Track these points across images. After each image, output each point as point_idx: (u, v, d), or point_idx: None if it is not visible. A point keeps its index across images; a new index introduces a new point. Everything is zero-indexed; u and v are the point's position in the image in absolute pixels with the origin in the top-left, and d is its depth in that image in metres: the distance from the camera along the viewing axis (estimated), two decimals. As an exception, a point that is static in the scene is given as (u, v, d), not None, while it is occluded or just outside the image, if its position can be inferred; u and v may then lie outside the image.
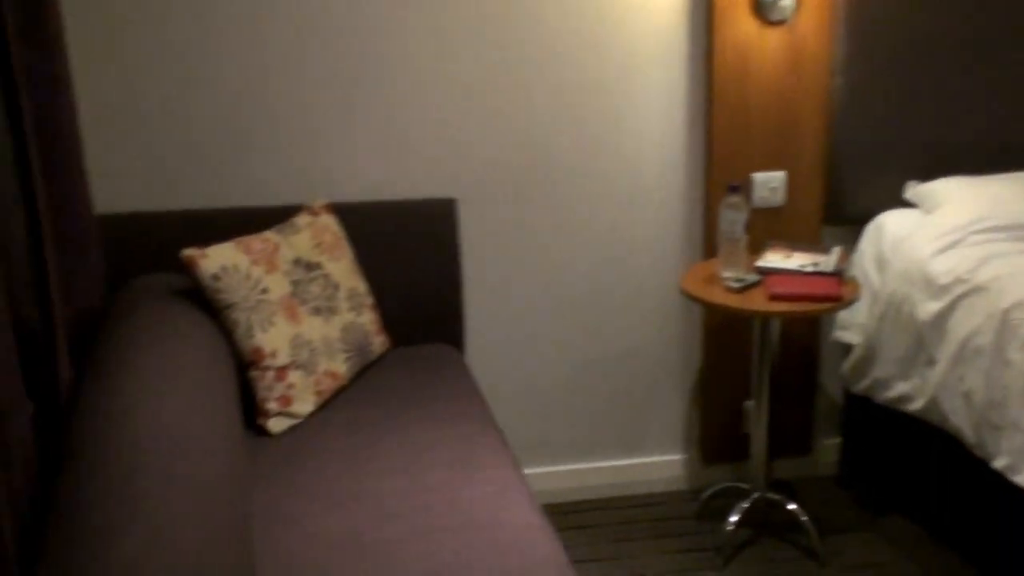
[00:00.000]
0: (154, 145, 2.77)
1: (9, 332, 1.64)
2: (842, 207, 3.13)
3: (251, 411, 2.41)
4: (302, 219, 2.70)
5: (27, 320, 1.84)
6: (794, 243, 3.00)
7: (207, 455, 1.73)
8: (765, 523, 3.06)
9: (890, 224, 2.99)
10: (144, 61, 2.72)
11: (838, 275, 2.80)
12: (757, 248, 2.97)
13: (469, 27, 2.87)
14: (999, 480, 2.47)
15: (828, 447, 3.39)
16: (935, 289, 2.68)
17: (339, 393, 2.58)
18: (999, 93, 3.09)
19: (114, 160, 2.74)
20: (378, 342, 2.73)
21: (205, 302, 2.39)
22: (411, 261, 2.90)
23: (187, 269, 2.37)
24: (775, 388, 2.95)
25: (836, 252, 2.91)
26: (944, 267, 2.68)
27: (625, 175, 3.06)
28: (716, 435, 3.28)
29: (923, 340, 2.72)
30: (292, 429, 2.41)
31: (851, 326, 3.06)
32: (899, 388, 2.83)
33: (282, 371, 2.42)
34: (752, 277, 2.80)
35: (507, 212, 3.03)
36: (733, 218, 2.80)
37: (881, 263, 2.95)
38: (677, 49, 2.99)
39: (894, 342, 2.83)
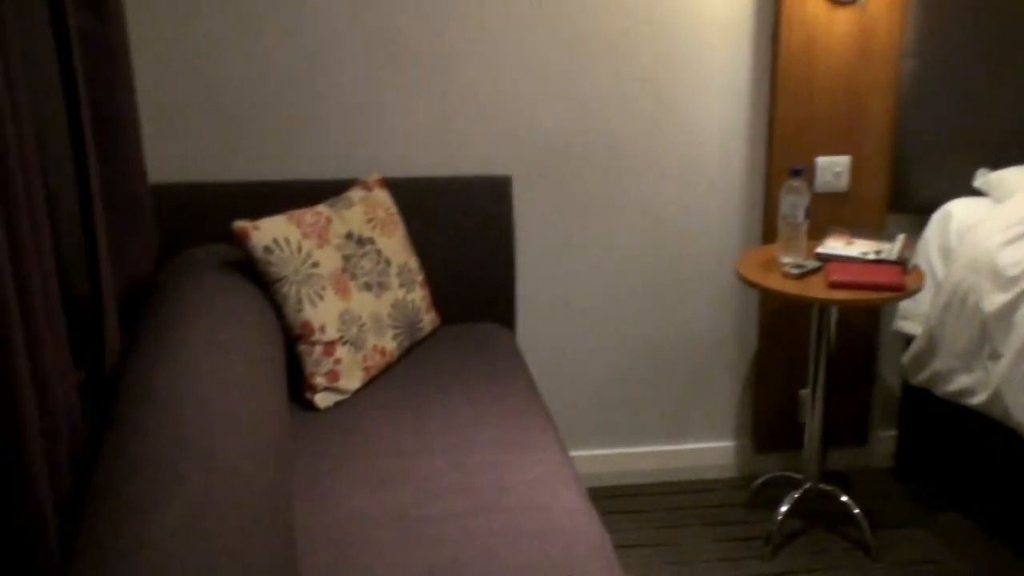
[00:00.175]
0: (210, 116, 2.77)
1: (57, 299, 1.64)
2: (908, 194, 3.05)
3: (299, 385, 2.40)
4: (355, 193, 2.68)
5: (76, 288, 1.84)
6: (857, 230, 2.92)
7: (250, 431, 1.72)
8: (816, 514, 3.00)
9: (958, 212, 2.90)
10: (203, 32, 2.71)
11: (901, 264, 2.72)
12: (818, 234, 2.90)
13: (530, 2, 2.82)
14: (1063, 481, 2.39)
15: (884, 439, 3.31)
16: (1003, 280, 2.59)
17: (387, 370, 2.57)
18: (1078, 79, 2.98)
19: (170, 130, 2.74)
20: (428, 319, 2.71)
21: (256, 274, 2.38)
22: (464, 238, 2.87)
23: (238, 241, 2.36)
24: (831, 376, 2.88)
25: (900, 240, 2.83)
26: (1013, 258, 2.59)
27: (684, 156, 3.00)
28: (769, 423, 3.22)
29: (988, 332, 2.63)
30: (338, 405, 2.40)
31: (913, 316, 2.98)
32: (961, 381, 2.75)
33: (330, 346, 2.41)
34: (812, 263, 2.73)
35: (562, 191, 2.98)
36: (794, 202, 2.73)
37: (946, 252, 2.86)
38: (742, 27, 2.92)
39: (957, 334, 2.74)
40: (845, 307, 2.94)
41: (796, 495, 2.93)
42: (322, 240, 2.49)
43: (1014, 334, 2.54)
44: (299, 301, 2.38)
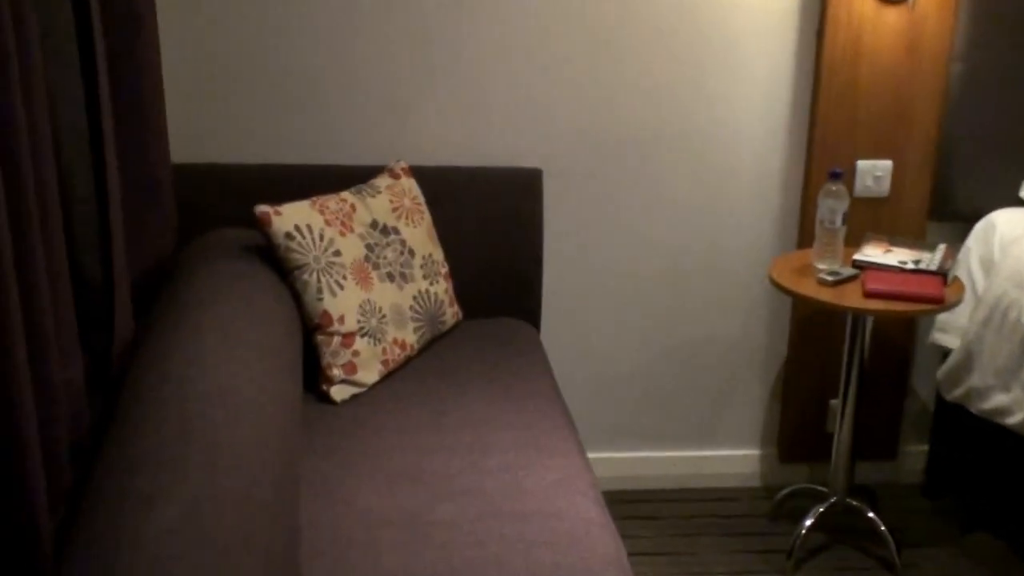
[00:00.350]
0: (236, 96, 2.71)
1: (67, 283, 1.59)
2: (951, 202, 2.95)
3: (315, 376, 2.35)
4: (382, 181, 2.62)
5: (87, 271, 1.79)
6: (896, 237, 2.84)
7: (259, 425, 1.67)
8: (841, 529, 2.92)
9: (1002, 223, 2.80)
10: (232, 10, 2.65)
11: (941, 275, 2.62)
12: (855, 240, 2.81)
13: (567, -10, 2.75)
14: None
15: (914, 454, 3.22)
16: (1046, 298, 2.49)
17: (406, 363, 2.51)
18: None
19: (193, 108, 2.69)
20: (450, 313, 2.65)
21: (276, 261, 2.33)
22: (491, 231, 2.80)
23: (259, 226, 2.31)
24: (862, 387, 2.80)
25: (941, 250, 2.74)
26: (1058, 275, 2.50)
27: (719, 154, 2.92)
28: (796, 432, 3.14)
29: (1029, 351, 2.54)
30: (355, 398, 2.35)
31: (950, 329, 2.88)
32: (997, 399, 2.66)
33: (349, 337, 2.35)
34: (848, 271, 2.65)
35: (593, 186, 2.91)
36: (833, 207, 2.65)
37: (988, 264, 2.76)
38: (786, 23, 2.83)
39: (996, 350, 2.65)
40: (881, 318, 2.85)
41: (821, 509, 2.85)
42: (345, 228, 2.43)
43: (1056, 353, 2.44)
44: (319, 290, 2.32)
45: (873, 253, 2.73)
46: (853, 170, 2.88)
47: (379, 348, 2.41)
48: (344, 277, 2.37)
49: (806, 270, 2.70)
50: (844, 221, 2.66)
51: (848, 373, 2.79)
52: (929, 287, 2.55)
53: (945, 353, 2.91)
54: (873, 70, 2.81)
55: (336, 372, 2.34)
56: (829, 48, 2.79)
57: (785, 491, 3.06)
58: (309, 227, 2.35)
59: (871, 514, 2.85)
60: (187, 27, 2.64)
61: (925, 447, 3.20)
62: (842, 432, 2.84)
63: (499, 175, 2.82)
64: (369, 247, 2.46)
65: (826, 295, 2.55)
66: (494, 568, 1.75)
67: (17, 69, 1.34)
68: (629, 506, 3.05)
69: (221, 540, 1.33)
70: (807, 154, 2.92)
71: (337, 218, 2.42)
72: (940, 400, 3.04)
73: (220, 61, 2.69)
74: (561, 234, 2.93)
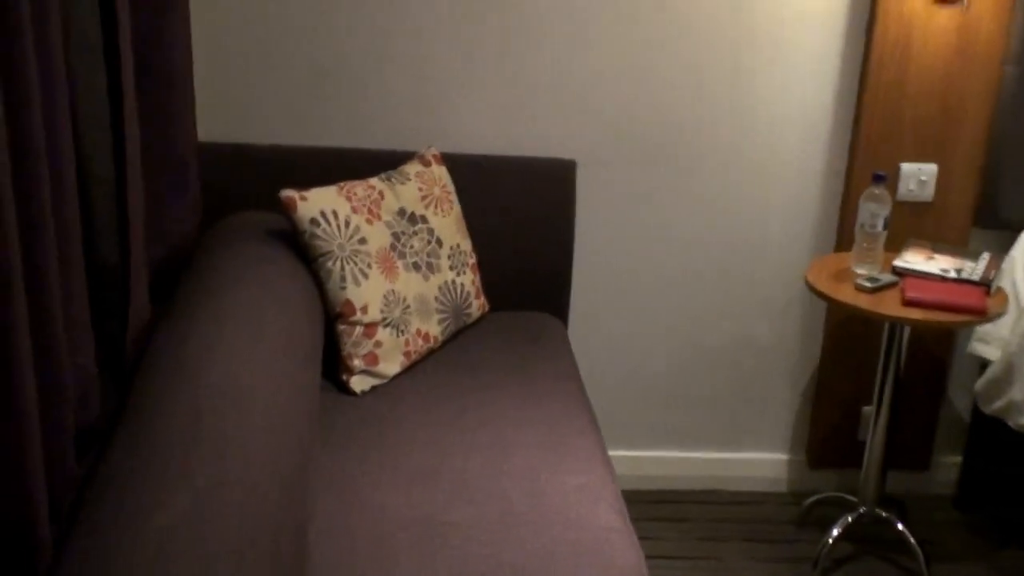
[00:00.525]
0: (266, 75, 2.66)
1: (80, 267, 1.55)
2: (997, 209, 2.86)
3: (336, 365, 2.31)
4: (412, 167, 2.56)
5: (104, 254, 1.75)
6: (938, 244, 2.75)
7: (271, 419, 1.63)
8: (869, 539, 2.85)
9: (1049, 233, 2.71)
10: (265, -13, 2.61)
11: (984, 285, 2.54)
12: (896, 245, 2.72)
13: (608, -22, 2.68)
14: None
15: (948, 465, 3.14)
16: (1094, 313, 2.40)
17: (429, 355, 2.46)
18: None
19: (220, 86, 2.65)
20: (476, 305, 2.60)
21: (300, 246, 2.28)
22: (522, 222, 2.74)
23: (284, 211, 2.26)
24: (897, 395, 2.72)
25: (985, 259, 2.65)
26: (1108, 290, 2.41)
27: (760, 151, 2.84)
28: (827, 438, 3.07)
29: (1073, 368, 2.45)
30: (375, 389, 2.30)
31: (991, 340, 2.79)
32: (1038, 415, 2.58)
33: (371, 327, 2.30)
34: (887, 277, 2.57)
35: (627, 180, 2.84)
36: (875, 210, 2.57)
37: (1033, 275, 2.67)
38: (835, 18, 2.74)
39: (1038, 364, 2.56)
40: (919, 327, 2.77)
41: (850, 519, 2.78)
42: (372, 215, 2.38)
43: (1102, 371, 2.36)
44: (342, 278, 2.28)
45: (914, 260, 2.65)
46: (896, 173, 2.79)
47: (402, 339, 2.36)
48: (369, 266, 2.32)
49: (844, 275, 2.62)
50: (885, 226, 2.58)
51: (883, 381, 2.71)
52: (971, 297, 2.47)
53: (984, 364, 2.82)
54: (922, 70, 2.71)
55: (357, 362, 2.29)
56: (878, 46, 2.70)
57: (813, 498, 2.99)
58: (335, 213, 2.30)
59: (901, 525, 2.78)
60: (218, 2, 2.59)
61: (959, 458, 3.12)
62: (874, 440, 2.77)
63: (532, 165, 2.76)
64: (396, 236, 2.41)
65: (864, 302, 2.48)
66: (510, 576, 1.70)
67: (32, 44, 1.29)
68: (653, 507, 2.99)
69: (224, 542, 1.29)
70: (849, 154, 2.84)
71: (364, 205, 2.37)
72: (976, 411, 2.96)
73: (251, 38, 2.64)
74: (593, 227, 2.86)
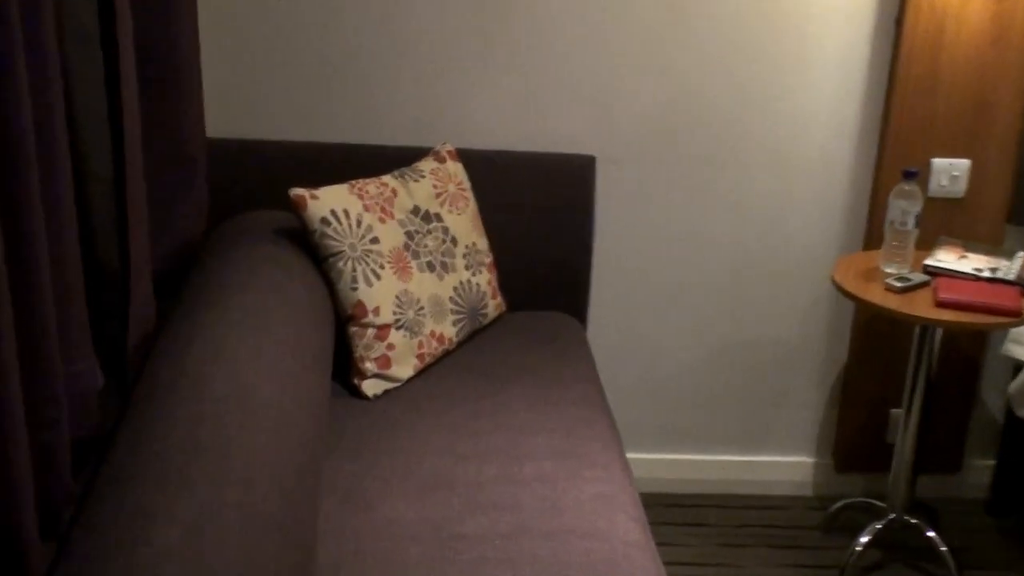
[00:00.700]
0: (275, 69, 2.60)
1: (77, 271, 1.49)
2: (1032, 205, 2.77)
3: (347, 368, 2.24)
4: (426, 164, 2.49)
5: (104, 256, 1.69)
6: (971, 243, 2.66)
7: (278, 431, 1.56)
8: (898, 546, 2.77)
9: (1087, 231, 2.61)
10: (276, -21, 2.54)
11: (1020, 285, 2.44)
12: (927, 244, 2.63)
13: (629, -33, 2.60)
14: None
15: (980, 468, 3.05)
16: None
17: (444, 357, 2.39)
18: None
19: (229, 81, 2.58)
20: (493, 305, 2.52)
21: (311, 246, 2.22)
22: (540, 220, 2.67)
23: (294, 210, 2.20)
24: (927, 397, 2.63)
25: (1020, 257, 2.55)
26: None
27: (784, 146, 2.75)
28: (854, 441, 2.98)
29: (1112, 371, 2.36)
30: (387, 394, 2.24)
31: (1025, 341, 2.71)
32: (1075, 419, 2.49)
33: (383, 330, 2.24)
34: (918, 277, 2.48)
35: (648, 176, 2.76)
36: (905, 208, 2.48)
37: (1070, 274, 2.58)
38: (863, 9, 2.65)
39: (1075, 367, 2.47)
40: (951, 329, 2.68)
41: (878, 526, 2.69)
42: (385, 214, 2.31)
43: None
44: (353, 279, 2.21)
45: (946, 259, 2.56)
46: (927, 168, 2.70)
47: (415, 341, 2.29)
48: (381, 266, 2.25)
49: (872, 274, 2.53)
50: (917, 224, 2.49)
51: (913, 383, 2.62)
52: (1006, 298, 2.37)
53: (1018, 366, 2.73)
54: (955, 62, 2.62)
55: (369, 366, 2.23)
56: (908, 36, 2.60)
57: (840, 503, 2.90)
58: (346, 212, 2.23)
59: (931, 532, 2.69)
60: (229, -4, 2.53)
61: (991, 462, 3.03)
62: (904, 444, 2.68)
63: (550, 161, 2.68)
64: (409, 234, 2.34)
65: (893, 303, 2.39)
66: (524, 592, 1.63)
67: (21, 31, 1.23)
68: (674, 511, 2.92)
69: (223, 565, 1.22)
70: (878, 149, 2.75)
71: (377, 203, 2.30)
72: (1010, 413, 2.87)
73: (261, 31, 2.57)
74: (613, 225, 2.78)
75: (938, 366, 2.75)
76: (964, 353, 2.89)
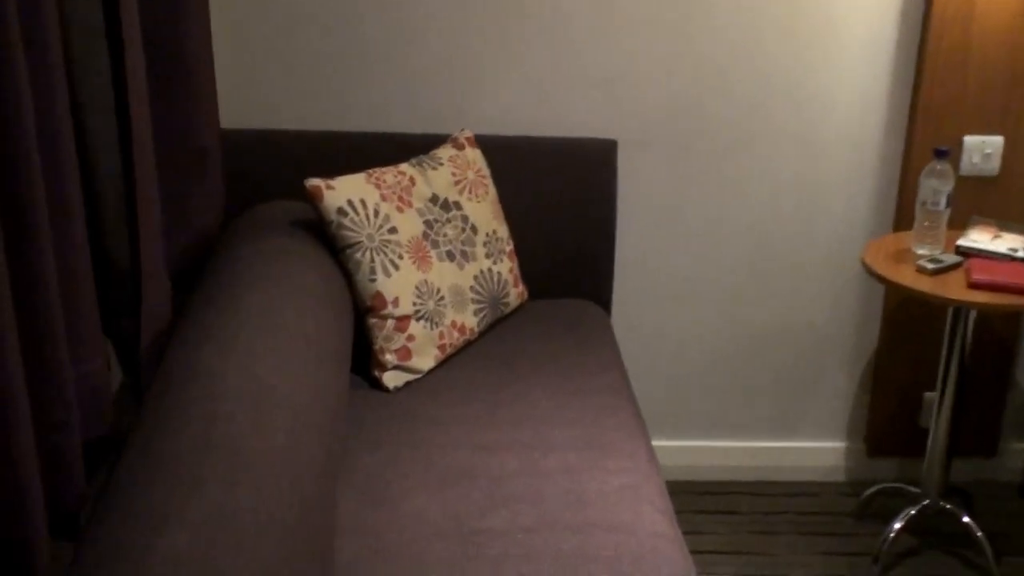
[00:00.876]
0: (289, 57, 2.56)
1: (87, 269, 1.46)
2: (1068, 182, 2.69)
3: (367, 360, 2.21)
4: (445, 151, 2.45)
5: (115, 253, 1.66)
6: (1005, 222, 2.59)
7: (294, 429, 1.53)
8: (933, 532, 2.72)
9: (1126, 207, 2.54)
10: (290, -34, 2.51)
11: (1056, 265, 2.38)
12: (960, 224, 2.57)
13: (648, -54, 2.54)
14: None
15: (1016, 451, 2.98)
16: None
17: (465, 348, 2.35)
18: None
19: (243, 70, 2.55)
20: (515, 294, 2.49)
21: (328, 237, 2.19)
22: (561, 206, 2.62)
23: (310, 200, 2.17)
24: (961, 380, 2.57)
25: (1056, 236, 2.49)
26: None
27: (811, 127, 2.69)
28: (886, 425, 2.92)
29: None
30: (408, 385, 2.20)
31: (1062, 321, 2.64)
32: (1114, 401, 2.42)
33: (403, 321, 2.20)
34: (951, 258, 2.42)
35: (672, 159, 2.71)
36: (936, 187, 2.42)
37: (1108, 252, 2.51)
38: (889, -17, 2.59)
39: (1115, 348, 2.40)
40: (985, 311, 2.61)
41: (912, 512, 2.63)
42: (403, 203, 2.27)
43: None
44: (372, 270, 2.18)
45: (979, 239, 2.49)
46: (959, 146, 2.63)
47: (436, 332, 2.25)
48: (400, 256, 2.22)
49: (903, 256, 2.47)
50: (948, 203, 2.42)
51: (947, 366, 2.56)
52: (1042, 278, 2.31)
53: (1056, 347, 2.67)
54: (987, 36, 2.55)
55: (389, 358, 2.20)
56: (938, 8, 2.53)
57: (873, 489, 2.85)
58: (363, 202, 2.20)
59: (966, 518, 2.63)
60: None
61: (1028, 445, 2.97)
62: (938, 428, 2.62)
63: (571, 146, 2.63)
64: (428, 224, 2.30)
65: (925, 285, 2.33)
66: (547, 589, 1.60)
67: (18, 21, 1.20)
68: (703, 498, 2.87)
69: (234, 572, 1.19)
70: (908, 127, 2.68)
71: (394, 192, 2.27)
72: (1047, 396, 2.80)
73: (274, 19, 2.54)
74: (636, 210, 2.73)
75: (972, 348, 2.69)
76: (998, 335, 2.83)
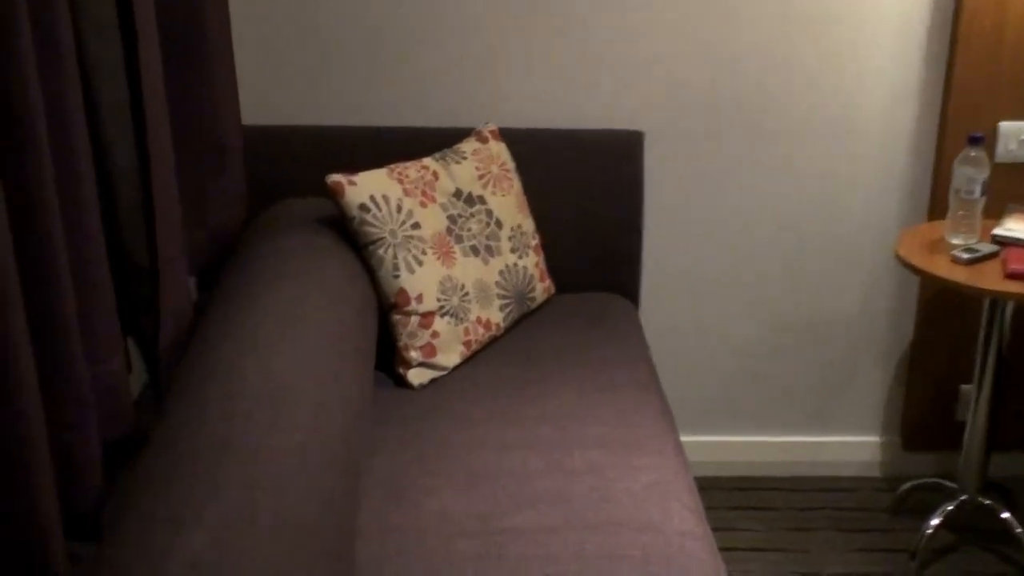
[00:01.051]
0: (310, 52, 2.55)
1: (104, 268, 1.44)
2: (1107, 168, 2.63)
3: (392, 356, 2.19)
4: (468, 145, 2.43)
5: (134, 251, 1.65)
6: (1043, 210, 2.53)
7: (315, 429, 1.51)
8: (971, 528, 2.66)
9: None
10: (310, -40, 2.49)
11: (1096, 253, 2.32)
12: (995, 212, 2.51)
13: (673, -66, 2.50)
14: None
15: (1056, 445, 2.92)
16: None
17: (491, 343, 2.33)
18: None
19: (264, 66, 2.53)
20: (541, 288, 2.45)
21: (350, 232, 2.17)
22: (587, 198, 2.59)
23: (332, 196, 2.15)
24: (998, 373, 2.51)
25: (1095, 224, 2.43)
26: None
27: (843, 115, 2.64)
28: (922, 419, 2.87)
29: None
30: (433, 382, 2.18)
31: (1103, 311, 2.57)
32: None
33: (428, 317, 2.18)
34: (986, 247, 2.36)
35: (700, 150, 2.66)
36: (971, 175, 2.36)
37: None
38: (922, -36, 2.54)
39: None
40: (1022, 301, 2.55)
41: (950, 507, 2.58)
42: (426, 198, 2.25)
43: None
44: (395, 266, 2.15)
45: (1016, 227, 2.44)
46: (995, 132, 2.58)
47: (461, 328, 2.23)
48: (423, 252, 2.19)
49: (938, 245, 2.42)
50: (983, 191, 2.37)
51: (984, 358, 2.51)
52: (1082, 267, 2.25)
53: (1096, 337, 2.60)
54: (1022, 16, 2.49)
55: (413, 355, 2.17)
56: (971, -6, 2.48)
57: (909, 484, 2.79)
58: (386, 198, 2.17)
59: (1006, 514, 2.57)
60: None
61: (1068, 438, 2.90)
62: (975, 422, 2.57)
63: (597, 138, 2.60)
64: (452, 219, 2.28)
65: (960, 275, 2.28)
66: (573, 589, 1.57)
67: (27, 13, 1.18)
68: (735, 494, 2.83)
69: (252, 574, 1.17)
70: (941, 114, 2.62)
71: (417, 187, 2.24)
72: (1088, 388, 2.74)
73: (294, 12, 2.52)
74: (663, 202, 2.69)
75: (1010, 339, 2.62)
76: (1037, 325, 2.77)
